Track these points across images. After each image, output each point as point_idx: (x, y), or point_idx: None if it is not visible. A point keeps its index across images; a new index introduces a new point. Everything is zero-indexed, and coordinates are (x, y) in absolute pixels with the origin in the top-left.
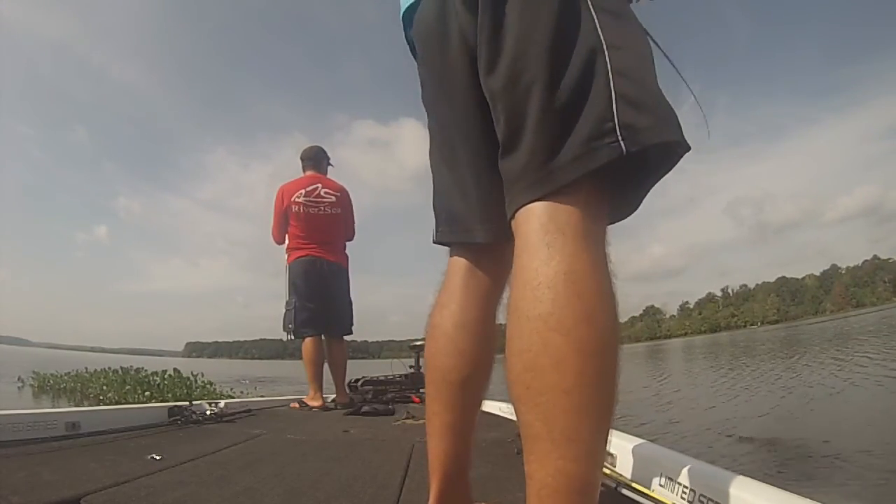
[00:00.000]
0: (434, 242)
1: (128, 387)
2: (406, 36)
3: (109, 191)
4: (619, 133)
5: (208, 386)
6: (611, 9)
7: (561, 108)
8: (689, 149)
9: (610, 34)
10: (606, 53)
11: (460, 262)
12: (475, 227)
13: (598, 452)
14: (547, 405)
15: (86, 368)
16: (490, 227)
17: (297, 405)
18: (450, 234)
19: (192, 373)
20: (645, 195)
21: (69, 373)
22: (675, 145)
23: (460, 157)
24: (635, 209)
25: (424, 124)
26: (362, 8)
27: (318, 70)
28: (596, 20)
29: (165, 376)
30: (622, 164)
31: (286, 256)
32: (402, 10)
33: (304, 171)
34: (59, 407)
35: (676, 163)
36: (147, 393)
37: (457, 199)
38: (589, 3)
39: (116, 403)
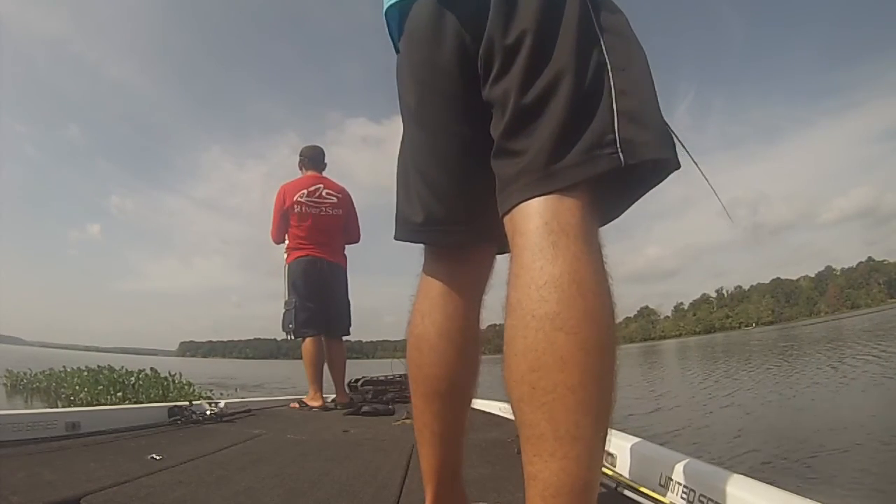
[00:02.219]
0: (407, 241)
1: (100, 387)
2: (389, 32)
3: (103, 189)
4: (619, 146)
5: (186, 387)
6: (615, 29)
7: (567, 117)
8: (679, 167)
9: (614, 54)
10: (610, 73)
11: (439, 266)
12: (457, 229)
13: (600, 451)
14: (553, 404)
15: (63, 367)
16: (472, 229)
17: (297, 405)
18: (429, 234)
19: (169, 373)
20: (631, 205)
21: (43, 371)
22: (666, 162)
23: (445, 159)
24: (618, 216)
25: None
26: (355, 6)
27: (312, 68)
28: (602, 40)
29: (141, 376)
30: (618, 174)
31: (285, 256)
32: (386, 6)
33: (300, 167)
34: (37, 408)
35: (664, 178)
36: (119, 394)
37: (438, 200)
38: (595, 23)
39: (89, 404)
